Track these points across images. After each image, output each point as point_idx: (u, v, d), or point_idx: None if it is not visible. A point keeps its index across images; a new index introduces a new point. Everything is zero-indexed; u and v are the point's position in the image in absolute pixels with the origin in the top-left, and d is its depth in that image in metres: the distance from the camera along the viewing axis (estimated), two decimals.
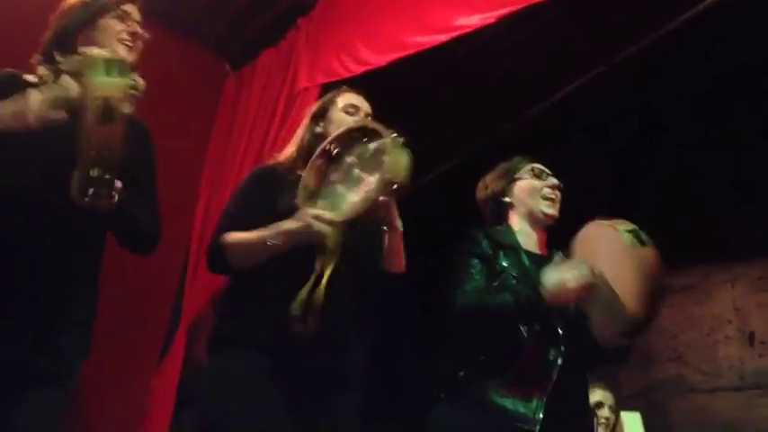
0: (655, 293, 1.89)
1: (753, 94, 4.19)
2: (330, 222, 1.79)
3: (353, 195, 1.82)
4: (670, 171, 4.53)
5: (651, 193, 4.41)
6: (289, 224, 1.85)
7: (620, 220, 1.94)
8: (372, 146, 1.88)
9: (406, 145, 1.86)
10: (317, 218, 1.80)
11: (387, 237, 1.99)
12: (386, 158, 1.80)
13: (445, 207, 3.73)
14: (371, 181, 1.78)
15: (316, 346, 1.78)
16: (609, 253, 1.92)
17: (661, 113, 4.59)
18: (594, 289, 1.88)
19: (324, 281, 1.76)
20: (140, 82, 2.00)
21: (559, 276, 1.92)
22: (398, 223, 2.01)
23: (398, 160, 1.83)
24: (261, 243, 1.88)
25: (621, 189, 4.50)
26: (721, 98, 4.26)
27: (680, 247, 4.41)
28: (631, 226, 1.92)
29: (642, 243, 1.87)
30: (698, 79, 4.26)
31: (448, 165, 4.73)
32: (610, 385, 3.34)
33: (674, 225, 4.42)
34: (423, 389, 2.12)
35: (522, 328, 2.00)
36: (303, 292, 1.75)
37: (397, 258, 2.06)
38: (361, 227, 1.92)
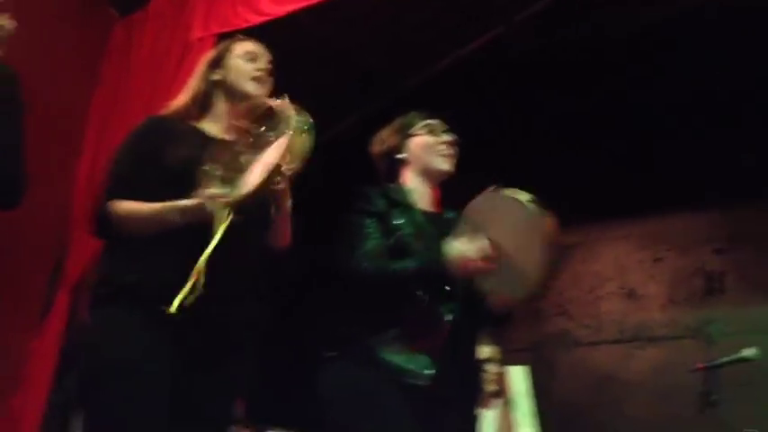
0: (550, 260, 1.94)
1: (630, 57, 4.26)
2: (224, 203, 1.77)
3: (251, 176, 1.79)
4: (555, 132, 4.64)
5: (536, 152, 4.51)
6: (185, 202, 1.81)
7: (516, 189, 1.96)
8: (276, 127, 1.84)
9: (311, 128, 1.84)
10: (212, 197, 1.78)
11: (276, 216, 1.99)
12: (286, 141, 1.77)
13: (343, 165, 3.70)
14: (269, 163, 1.75)
15: (203, 306, 1.74)
16: (510, 222, 1.94)
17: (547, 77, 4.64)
18: (495, 261, 1.91)
19: (205, 255, 1.75)
20: (9, 24, 1.85)
21: (462, 249, 1.93)
22: (288, 204, 2.00)
23: (299, 144, 1.80)
24: (154, 218, 1.85)
25: (506, 149, 4.58)
26: (609, 62, 4.34)
27: (565, 206, 4.56)
28: (529, 195, 1.94)
29: (541, 212, 1.90)
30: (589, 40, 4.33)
31: (348, 121, 4.69)
32: (497, 340, 3.44)
33: (558, 185, 4.57)
34: (313, 347, 2.11)
35: (419, 292, 2.00)
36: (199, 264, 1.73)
37: (282, 236, 2.06)
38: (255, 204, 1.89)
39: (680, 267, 4.55)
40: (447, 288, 2.03)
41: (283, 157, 1.77)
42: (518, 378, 3.04)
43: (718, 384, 2.97)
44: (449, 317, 2.04)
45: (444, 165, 2.21)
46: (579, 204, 4.64)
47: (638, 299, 4.64)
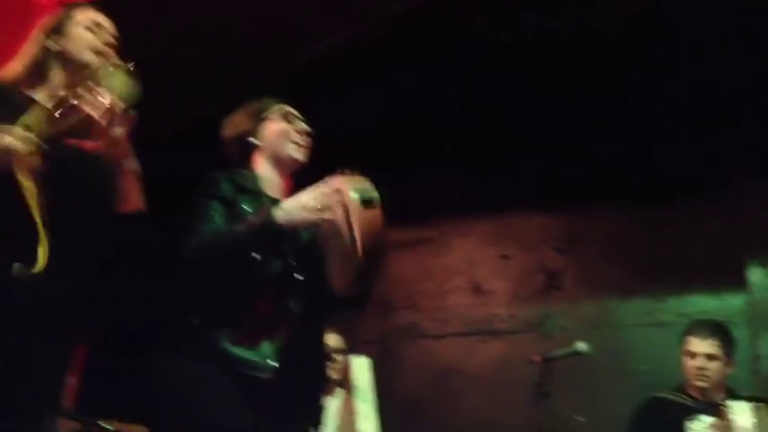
0: (378, 253, 1.91)
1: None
2: (21, 138, 1.66)
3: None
4: (411, 132, 4.68)
5: (398, 150, 4.55)
6: None
7: (356, 177, 1.92)
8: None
9: (130, 72, 1.77)
10: (9, 132, 1.67)
11: (119, 175, 1.88)
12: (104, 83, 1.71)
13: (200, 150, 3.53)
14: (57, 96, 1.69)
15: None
16: (338, 206, 1.90)
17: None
18: (333, 216, 1.85)
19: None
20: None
21: (297, 198, 1.88)
22: (131, 162, 1.89)
23: (116, 85, 1.73)
24: None
25: (369, 146, 4.59)
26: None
27: (419, 202, 4.68)
28: (363, 185, 1.91)
29: (369, 204, 1.87)
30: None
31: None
32: (343, 330, 3.43)
33: (414, 181, 4.64)
34: (151, 339, 1.98)
35: (260, 271, 1.91)
36: None
37: (128, 199, 1.93)
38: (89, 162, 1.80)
39: (524, 264, 4.74)
40: (290, 268, 1.96)
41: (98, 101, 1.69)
42: (361, 369, 3.04)
43: (552, 376, 3.10)
44: (294, 305, 1.98)
45: (297, 154, 2.13)
46: (433, 200, 4.74)
47: (485, 294, 4.80)
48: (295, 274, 1.99)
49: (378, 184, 2.00)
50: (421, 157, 4.66)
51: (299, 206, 1.87)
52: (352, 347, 3.43)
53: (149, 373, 1.93)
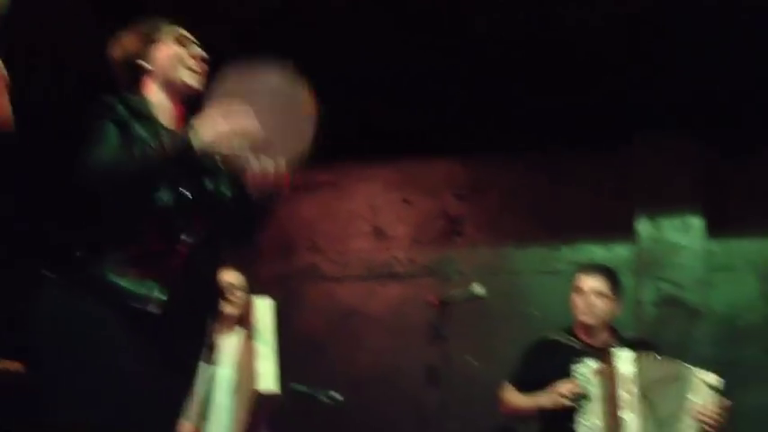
0: (309, 132, 1.87)
1: None
2: None
3: None
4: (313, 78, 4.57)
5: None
6: None
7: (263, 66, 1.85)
8: None
9: None
10: None
11: None
12: None
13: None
14: None
15: None
16: (261, 97, 1.82)
17: None
18: (248, 132, 1.77)
19: None
20: None
21: (211, 122, 1.78)
22: None
23: None
24: None
25: None
26: None
27: (322, 146, 4.58)
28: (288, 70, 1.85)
29: (293, 84, 1.82)
30: None
31: None
32: (244, 269, 3.37)
33: (320, 123, 4.56)
34: (30, 269, 1.86)
35: (158, 195, 1.81)
36: None
37: None
38: None
39: (425, 210, 4.78)
40: (185, 195, 1.88)
41: None
42: (263, 308, 2.99)
43: (448, 318, 3.15)
44: (186, 235, 1.90)
45: (191, 80, 2.01)
46: (338, 143, 4.66)
47: (386, 238, 4.82)
48: (191, 203, 1.90)
49: None
50: (323, 102, 4.57)
51: (215, 132, 1.78)
52: (253, 287, 3.37)
53: (28, 305, 1.83)
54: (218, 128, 1.78)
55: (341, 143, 4.68)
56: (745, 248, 4.14)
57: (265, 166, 1.85)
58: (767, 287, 4.06)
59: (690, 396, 2.80)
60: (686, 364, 2.91)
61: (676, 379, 2.84)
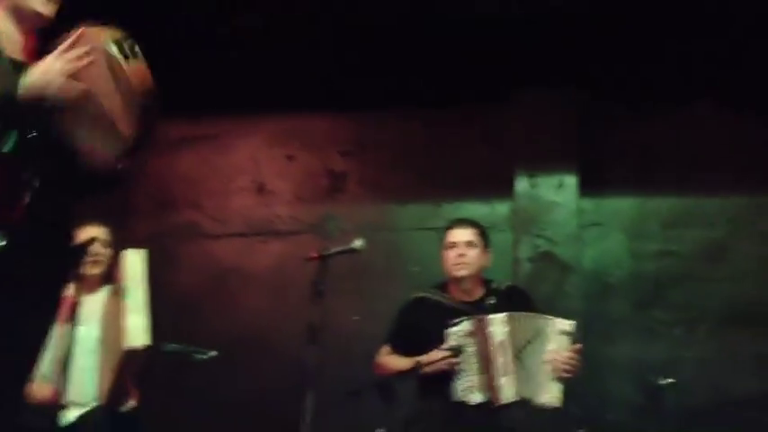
0: (145, 111, 1.72)
1: None
2: None
3: None
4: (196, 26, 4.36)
5: (179, 42, 4.21)
6: None
7: (108, 29, 1.69)
8: None
9: None
10: None
11: None
12: None
13: None
14: None
15: None
16: (94, 66, 1.67)
17: None
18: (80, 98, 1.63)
19: None
20: None
21: (44, 65, 1.62)
22: None
23: None
24: None
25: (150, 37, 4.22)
26: None
27: (203, 97, 4.42)
28: (119, 34, 1.69)
29: (131, 56, 1.66)
30: None
31: None
32: (113, 225, 3.19)
33: (198, 75, 4.37)
34: None
35: None
36: None
37: None
38: None
39: (309, 166, 4.69)
40: (29, 142, 1.71)
41: None
42: (133, 263, 2.83)
43: (328, 274, 3.12)
44: (31, 182, 1.74)
45: (43, 7, 1.83)
46: (218, 96, 4.49)
47: (267, 194, 4.70)
48: (35, 146, 1.74)
49: (156, 77, 1.80)
50: (204, 50, 4.38)
51: (46, 74, 1.62)
52: (124, 245, 3.19)
53: None
54: (51, 68, 1.62)
55: (222, 95, 4.53)
56: (616, 206, 4.30)
57: (98, 144, 1.70)
58: (635, 244, 4.24)
59: (548, 346, 2.88)
60: (543, 315, 2.98)
61: (539, 333, 2.92)
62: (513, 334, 2.88)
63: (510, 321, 2.89)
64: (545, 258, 4.17)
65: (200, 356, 3.06)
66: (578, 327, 3.84)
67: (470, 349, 2.86)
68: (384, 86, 4.40)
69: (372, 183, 4.59)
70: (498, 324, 2.88)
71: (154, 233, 4.61)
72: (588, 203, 4.28)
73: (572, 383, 3.02)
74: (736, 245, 4.09)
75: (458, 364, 2.84)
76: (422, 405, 2.97)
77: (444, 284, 3.19)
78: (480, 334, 2.88)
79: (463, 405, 2.83)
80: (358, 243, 3.06)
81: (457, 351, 2.83)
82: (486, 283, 3.17)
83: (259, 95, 4.53)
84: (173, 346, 3.06)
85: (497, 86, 4.26)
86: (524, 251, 4.21)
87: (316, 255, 3.01)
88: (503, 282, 3.23)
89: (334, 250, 3.06)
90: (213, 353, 3.13)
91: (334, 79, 4.46)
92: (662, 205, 4.24)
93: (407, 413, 2.89)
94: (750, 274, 4.03)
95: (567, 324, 2.93)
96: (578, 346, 2.90)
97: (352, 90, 4.46)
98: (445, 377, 2.87)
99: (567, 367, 2.86)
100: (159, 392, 3.38)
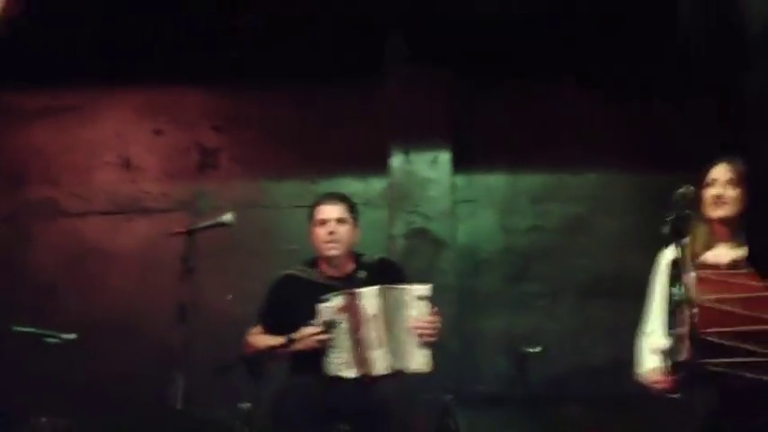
0: None
1: None
2: None
3: None
4: None
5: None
6: None
7: None
8: None
9: None
10: None
11: None
12: None
13: None
14: None
15: None
16: None
17: None
18: None
19: None
20: None
21: None
22: None
23: None
24: None
25: None
26: None
27: (63, 65, 4.13)
28: None
29: None
30: None
31: None
32: None
33: (59, 43, 4.09)
34: None
35: None
36: None
37: None
38: None
39: (178, 141, 4.51)
40: None
41: None
42: None
43: (201, 254, 3.00)
44: None
45: None
46: (81, 63, 4.22)
47: (134, 170, 4.48)
48: None
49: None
50: (65, 21, 4.09)
51: None
52: None
53: None
54: None
55: (85, 63, 4.25)
56: (488, 183, 4.38)
57: None
58: (506, 220, 4.35)
59: (410, 312, 2.89)
60: (402, 286, 2.96)
61: (402, 302, 2.90)
62: (384, 307, 2.87)
63: (381, 294, 2.88)
64: (419, 234, 4.20)
65: (52, 340, 2.87)
66: (452, 301, 3.97)
67: (342, 324, 2.83)
68: (258, 60, 4.28)
69: (246, 159, 4.47)
70: (369, 298, 2.86)
71: (7, 212, 4.29)
72: (461, 180, 4.34)
73: (445, 356, 3.05)
74: (598, 220, 4.28)
75: (329, 339, 2.80)
76: (293, 381, 2.90)
77: (315, 261, 3.12)
78: (352, 308, 2.84)
79: (335, 380, 2.79)
80: (227, 217, 2.96)
81: (328, 326, 2.79)
82: (356, 257, 3.13)
83: (125, 66, 4.30)
84: (22, 329, 2.84)
85: (372, 63, 4.24)
86: (399, 227, 4.22)
87: (181, 230, 2.87)
88: (374, 255, 3.20)
89: (202, 224, 2.93)
90: (71, 336, 2.94)
91: (206, 51, 4.29)
92: (531, 182, 4.37)
93: (278, 389, 2.81)
94: (609, 248, 4.22)
95: (424, 289, 2.93)
96: (435, 309, 2.92)
97: (224, 63, 4.32)
98: (317, 354, 2.82)
99: (430, 332, 2.88)
100: (10, 376, 3.16)
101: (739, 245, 2.52)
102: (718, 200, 2.51)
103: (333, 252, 3.02)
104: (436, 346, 2.90)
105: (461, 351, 3.97)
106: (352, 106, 4.43)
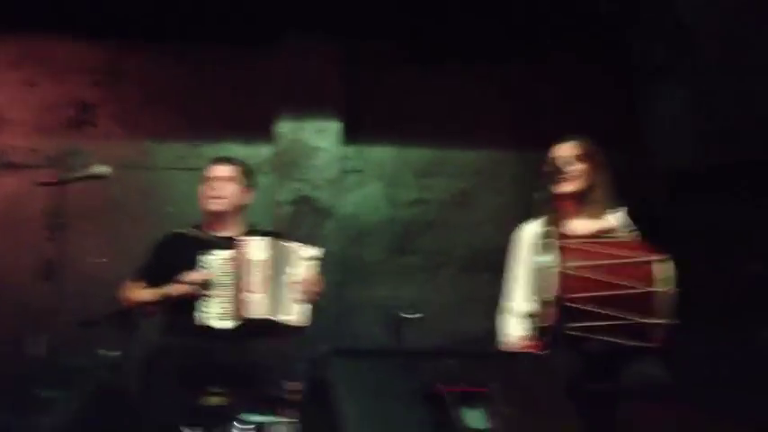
0: None
1: None
2: None
3: None
4: None
5: None
6: None
7: None
8: None
9: None
10: None
11: None
12: None
13: None
14: None
15: None
16: None
17: None
18: None
19: None
20: None
21: None
22: None
23: None
24: None
25: None
26: None
27: None
28: None
29: None
30: None
31: None
32: None
33: None
34: None
35: None
36: None
37: None
38: None
39: (53, 95, 4.27)
40: None
41: None
42: None
43: (71, 212, 2.88)
44: None
45: None
46: None
47: (2, 123, 4.21)
48: None
49: None
50: None
51: None
52: None
53: None
54: None
55: None
56: (375, 154, 4.40)
57: None
58: (392, 191, 4.38)
59: (298, 270, 2.92)
60: (292, 244, 3.00)
61: (291, 258, 2.94)
62: (271, 257, 2.87)
63: (270, 246, 2.89)
64: (305, 202, 4.17)
65: None
66: (334, 269, 3.97)
67: (226, 273, 2.80)
68: (145, 16, 4.10)
69: (127, 117, 4.28)
70: (257, 247, 2.87)
71: None
72: (350, 151, 4.34)
73: (324, 319, 3.06)
74: (481, 195, 4.38)
75: (210, 287, 2.77)
76: (167, 335, 2.83)
77: (204, 223, 3.07)
78: (238, 258, 2.83)
79: (209, 339, 2.75)
80: (102, 169, 2.85)
81: (212, 276, 2.76)
82: (247, 225, 3.12)
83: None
84: None
85: (263, 29, 4.16)
86: (285, 194, 4.18)
87: (52, 180, 2.73)
88: (264, 227, 3.20)
89: (74, 175, 2.80)
90: None
91: (91, 1, 4.07)
92: (418, 155, 4.41)
93: (150, 350, 2.73)
94: (492, 223, 4.34)
95: (313, 251, 2.99)
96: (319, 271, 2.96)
97: (106, 14, 4.10)
98: (191, 312, 2.77)
99: (313, 291, 2.92)
100: None
101: (598, 216, 2.67)
102: (561, 176, 2.65)
103: (215, 206, 2.99)
104: (317, 309, 2.93)
105: (341, 317, 3.99)
106: (242, 71, 4.33)
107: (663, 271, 2.37)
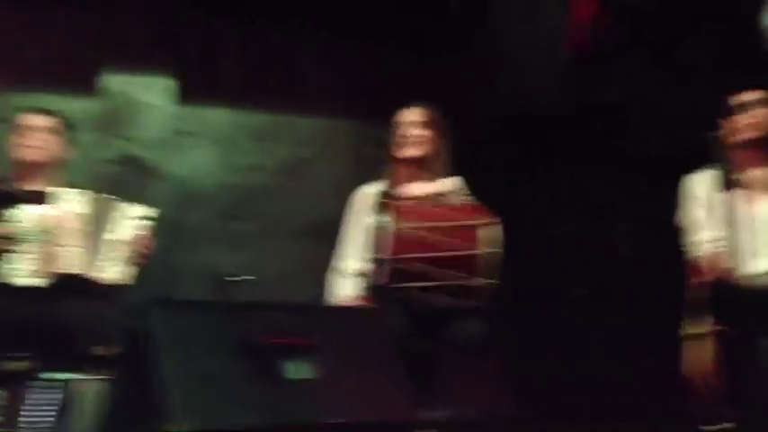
0: None
1: None
2: None
3: None
4: None
5: None
6: None
7: None
8: None
9: None
10: None
11: None
12: None
13: None
14: None
15: None
16: None
17: None
18: None
19: None
20: None
21: None
22: None
23: None
24: None
25: None
26: None
27: None
28: None
29: None
30: None
31: None
32: None
33: None
34: None
35: None
36: None
37: None
38: None
39: None
40: None
41: None
42: None
43: None
44: None
45: None
46: None
47: None
48: None
49: None
50: None
51: None
52: None
53: None
54: None
55: None
56: (211, 117, 4.23)
57: None
58: (227, 156, 4.23)
59: (122, 229, 2.80)
60: (119, 201, 2.88)
61: (116, 215, 2.81)
62: (91, 212, 2.72)
63: (90, 201, 2.74)
64: (133, 162, 3.95)
65: None
66: (162, 232, 3.77)
67: (36, 226, 2.58)
68: None
69: None
70: (75, 201, 2.68)
71: None
72: (184, 111, 4.14)
73: (153, 288, 2.92)
74: (319, 164, 4.34)
75: (14, 243, 2.54)
76: None
77: (13, 175, 2.82)
78: (53, 211, 2.62)
79: (14, 294, 2.52)
80: None
81: (17, 229, 2.53)
82: (63, 183, 2.89)
83: None
84: None
85: None
86: (111, 153, 3.93)
87: None
88: (84, 186, 2.98)
89: None
90: None
91: None
92: (256, 120, 4.29)
93: None
94: (329, 193, 4.30)
95: (140, 209, 2.89)
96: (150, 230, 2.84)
97: None
98: None
99: (142, 251, 2.81)
100: None
101: (436, 179, 2.75)
102: (405, 140, 2.75)
103: (30, 156, 2.78)
104: (140, 271, 2.78)
105: (166, 281, 3.81)
106: (64, 18, 3.99)
107: (488, 234, 2.46)
